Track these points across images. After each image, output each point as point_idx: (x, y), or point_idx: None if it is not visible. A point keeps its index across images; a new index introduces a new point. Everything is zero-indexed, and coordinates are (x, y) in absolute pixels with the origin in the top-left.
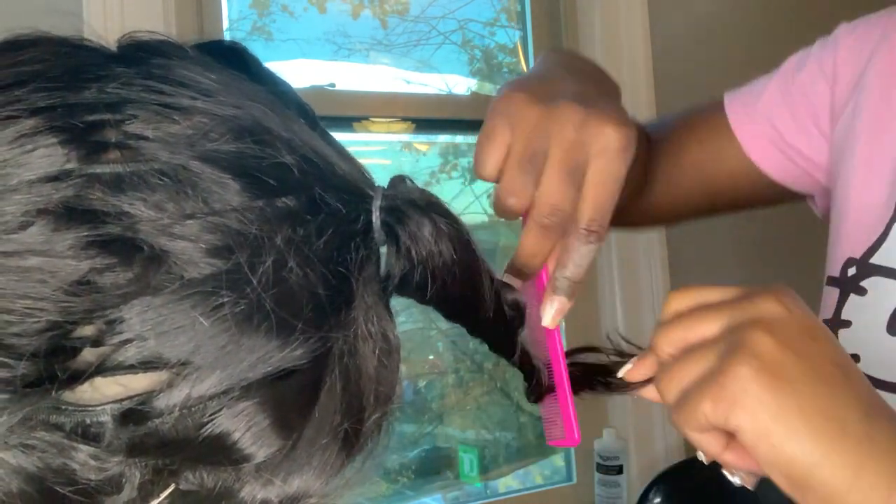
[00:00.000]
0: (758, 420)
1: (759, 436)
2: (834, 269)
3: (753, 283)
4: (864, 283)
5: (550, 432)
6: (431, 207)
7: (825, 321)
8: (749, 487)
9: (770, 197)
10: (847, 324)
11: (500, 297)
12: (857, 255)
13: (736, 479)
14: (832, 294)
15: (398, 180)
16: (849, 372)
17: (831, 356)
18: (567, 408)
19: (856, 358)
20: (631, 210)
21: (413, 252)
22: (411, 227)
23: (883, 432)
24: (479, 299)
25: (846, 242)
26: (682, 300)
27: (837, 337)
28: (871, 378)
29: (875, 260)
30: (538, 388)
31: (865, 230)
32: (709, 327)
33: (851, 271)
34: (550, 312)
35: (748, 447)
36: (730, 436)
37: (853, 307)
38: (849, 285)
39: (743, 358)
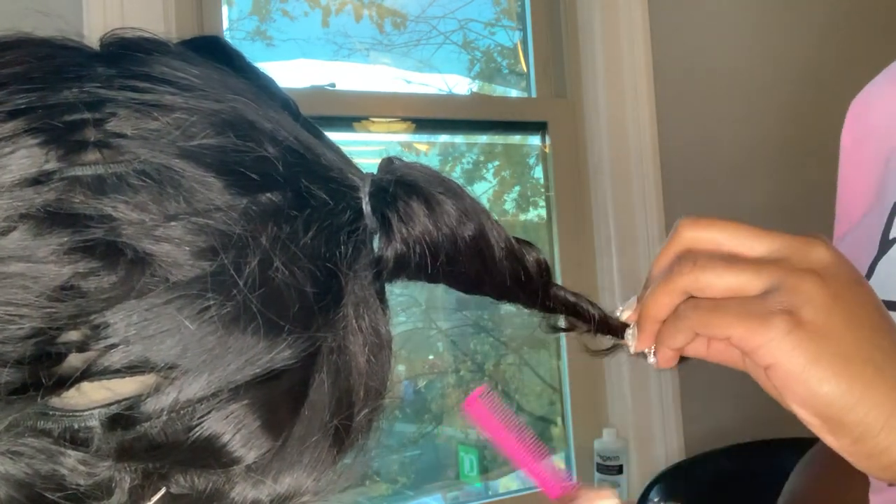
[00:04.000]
0: (794, 361)
1: (795, 376)
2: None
3: None
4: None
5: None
6: (424, 181)
7: None
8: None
9: None
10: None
11: (520, 259)
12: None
13: (651, 360)
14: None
15: (387, 162)
16: (885, 316)
17: (874, 303)
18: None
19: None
20: None
21: (407, 233)
22: (401, 207)
23: None
24: (493, 267)
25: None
26: (698, 239)
27: None
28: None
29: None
30: (605, 326)
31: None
32: (748, 285)
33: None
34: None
35: (779, 381)
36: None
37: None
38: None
39: (793, 302)
